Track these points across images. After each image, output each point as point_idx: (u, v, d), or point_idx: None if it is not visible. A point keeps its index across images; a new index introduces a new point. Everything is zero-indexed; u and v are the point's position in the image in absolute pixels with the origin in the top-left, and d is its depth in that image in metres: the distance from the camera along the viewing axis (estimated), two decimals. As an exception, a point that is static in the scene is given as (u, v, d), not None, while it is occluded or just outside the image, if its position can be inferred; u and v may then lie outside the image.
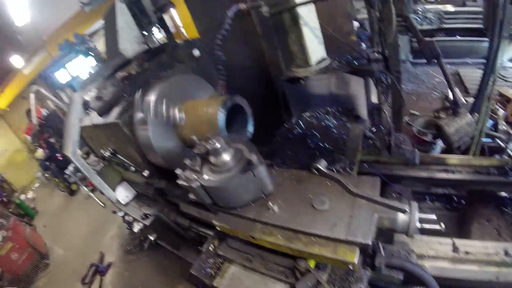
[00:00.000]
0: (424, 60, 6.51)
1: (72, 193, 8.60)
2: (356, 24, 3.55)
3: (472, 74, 5.31)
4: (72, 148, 2.13)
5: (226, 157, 1.50)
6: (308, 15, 2.14)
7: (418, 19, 6.30)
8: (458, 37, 6.25)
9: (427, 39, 6.37)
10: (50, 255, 6.64)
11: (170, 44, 2.68)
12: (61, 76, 10.50)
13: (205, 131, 1.82)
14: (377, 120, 2.21)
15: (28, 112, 9.39)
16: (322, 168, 1.53)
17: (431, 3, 6.44)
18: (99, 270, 5.08)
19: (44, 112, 6.04)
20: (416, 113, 4.78)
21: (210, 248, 1.91)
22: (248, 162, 1.42)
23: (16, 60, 8.65)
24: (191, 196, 1.69)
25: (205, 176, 1.52)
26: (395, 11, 1.61)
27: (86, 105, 2.74)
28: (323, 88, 2.41)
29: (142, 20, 2.48)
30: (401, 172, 2.08)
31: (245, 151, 1.53)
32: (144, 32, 2.40)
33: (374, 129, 2.15)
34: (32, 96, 8.16)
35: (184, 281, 3.69)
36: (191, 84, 2.31)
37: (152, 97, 2.07)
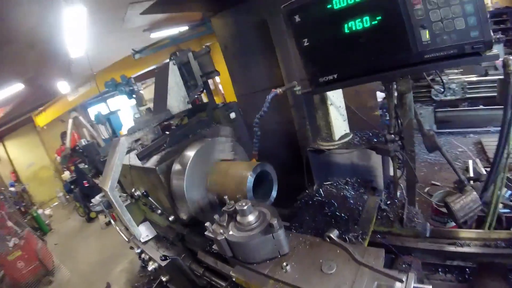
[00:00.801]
0: (448, 130, 6.71)
1: (89, 220, 8.80)
2: (381, 95, 3.78)
3: (495, 143, 5.34)
4: (111, 184, 2.38)
5: (251, 217, 1.70)
6: (335, 96, 2.42)
7: (442, 89, 6.51)
8: (481, 106, 6.42)
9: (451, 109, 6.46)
10: (55, 273, 6.73)
11: (210, 105, 3.00)
12: (101, 109, 11.52)
13: (233, 191, 2.03)
14: (393, 193, 2.36)
15: (63, 134, 10.10)
16: (333, 237, 1.68)
17: (455, 73, 6.70)
18: (103, 300, 5.10)
19: (83, 141, 6.56)
20: (437, 183, 4.82)
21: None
22: (270, 225, 1.61)
23: (62, 86, 9.47)
24: (214, 247, 1.86)
25: (230, 232, 1.71)
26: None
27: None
28: (345, 159, 2.61)
29: (189, 81, 2.86)
30: (411, 244, 2.16)
31: (268, 215, 1.72)
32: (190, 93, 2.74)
33: (388, 202, 2.29)
34: (70, 121, 8.87)
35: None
36: (226, 146, 2.56)
37: (191, 153, 2.34)
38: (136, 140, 3.38)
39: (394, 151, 2.01)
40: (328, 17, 1.42)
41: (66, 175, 9.99)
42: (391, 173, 2.55)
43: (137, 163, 2.81)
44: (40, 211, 10.32)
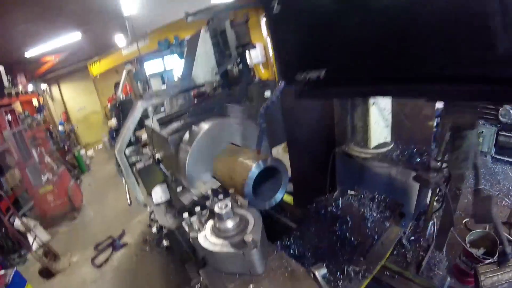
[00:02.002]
0: (507, 158, 5.74)
1: (126, 168, 9.26)
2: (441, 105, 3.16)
3: None
4: (119, 147, 2.36)
5: (229, 224, 1.50)
6: (381, 96, 2.03)
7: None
8: None
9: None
10: (81, 211, 7.28)
11: (244, 79, 2.74)
12: (155, 66, 11.94)
13: (236, 179, 1.82)
14: (421, 229, 1.96)
15: (117, 85, 10.63)
16: (317, 276, 1.42)
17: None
18: (114, 244, 5.38)
19: (121, 97, 6.78)
20: (481, 217, 4.17)
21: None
22: (243, 241, 1.39)
23: (119, 39, 9.85)
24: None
25: (204, 233, 1.53)
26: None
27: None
28: (380, 170, 2.23)
29: (224, 52, 2.62)
30: (420, 297, 1.80)
31: (250, 226, 1.49)
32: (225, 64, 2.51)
33: (412, 237, 1.89)
34: (124, 73, 9.25)
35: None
36: (247, 131, 2.27)
37: (205, 126, 2.15)
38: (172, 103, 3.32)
39: (435, 183, 1.58)
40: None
41: (113, 122, 10.50)
42: (428, 201, 2.13)
43: (157, 128, 2.73)
44: (82, 151, 11.12)
